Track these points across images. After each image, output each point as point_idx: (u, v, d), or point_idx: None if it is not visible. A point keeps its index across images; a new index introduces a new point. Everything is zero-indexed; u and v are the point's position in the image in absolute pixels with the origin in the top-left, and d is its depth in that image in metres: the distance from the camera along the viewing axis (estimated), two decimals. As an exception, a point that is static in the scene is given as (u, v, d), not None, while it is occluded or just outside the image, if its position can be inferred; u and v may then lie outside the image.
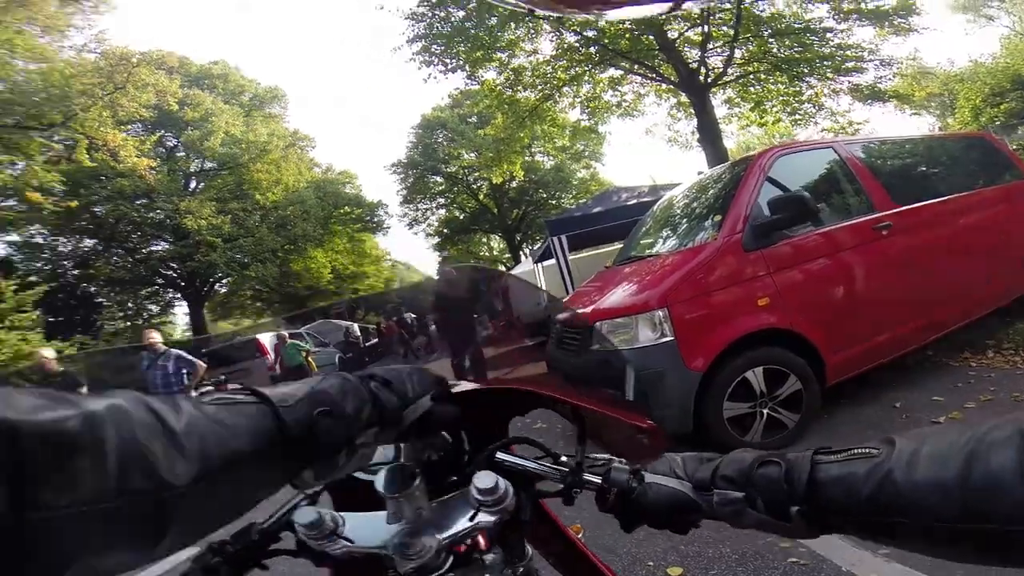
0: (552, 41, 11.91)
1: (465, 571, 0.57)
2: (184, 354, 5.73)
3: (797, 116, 12.35)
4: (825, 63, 10.88)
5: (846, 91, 11.77)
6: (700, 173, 5.27)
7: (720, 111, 12.54)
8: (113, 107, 16.86)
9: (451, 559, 0.55)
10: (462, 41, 11.37)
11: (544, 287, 9.46)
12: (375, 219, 29.31)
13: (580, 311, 3.51)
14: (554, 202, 29.97)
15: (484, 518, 0.57)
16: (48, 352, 6.48)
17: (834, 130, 11.97)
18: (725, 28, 10.76)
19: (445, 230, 32.01)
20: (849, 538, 1.08)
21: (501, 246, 33.96)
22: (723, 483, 0.50)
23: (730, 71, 11.33)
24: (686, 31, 11.03)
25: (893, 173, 4.01)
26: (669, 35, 10.78)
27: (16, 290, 13.63)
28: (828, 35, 10.77)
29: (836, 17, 10.72)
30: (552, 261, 8.74)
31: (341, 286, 26.94)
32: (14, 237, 18.89)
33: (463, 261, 31.77)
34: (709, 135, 10.72)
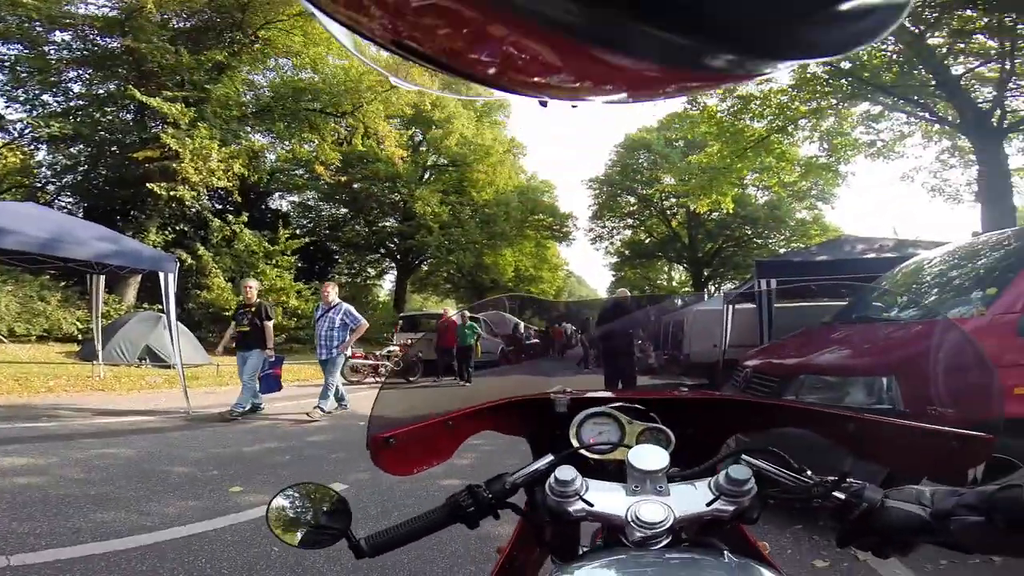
0: (793, 70, 10.87)
1: (689, 548, 0.61)
2: (352, 310, 6.28)
3: None
4: None
5: None
6: (975, 234, 4.30)
7: (1015, 161, 9.98)
8: (387, 103, 20.77)
9: (670, 538, 0.60)
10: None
11: (729, 332, 8.66)
12: (563, 229, 30.39)
13: (779, 361, 3.31)
14: (760, 241, 27.26)
15: (722, 506, 0.61)
16: (253, 282, 6.72)
17: None
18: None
19: (627, 251, 31.66)
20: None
21: (683, 278, 32.23)
22: (963, 511, 0.53)
23: (1040, 114, 8.92)
24: (976, 67, 9.01)
25: None
26: (953, 71, 8.93)
27: (287, 238, 17.85)
28: None
29: None
30: (749, 305, 7.96)
31: (519, 285, 28.66)
32: (295, 198, 24.71)
33: (637, 286, 30.95)
34: (994, 189, 8.61)
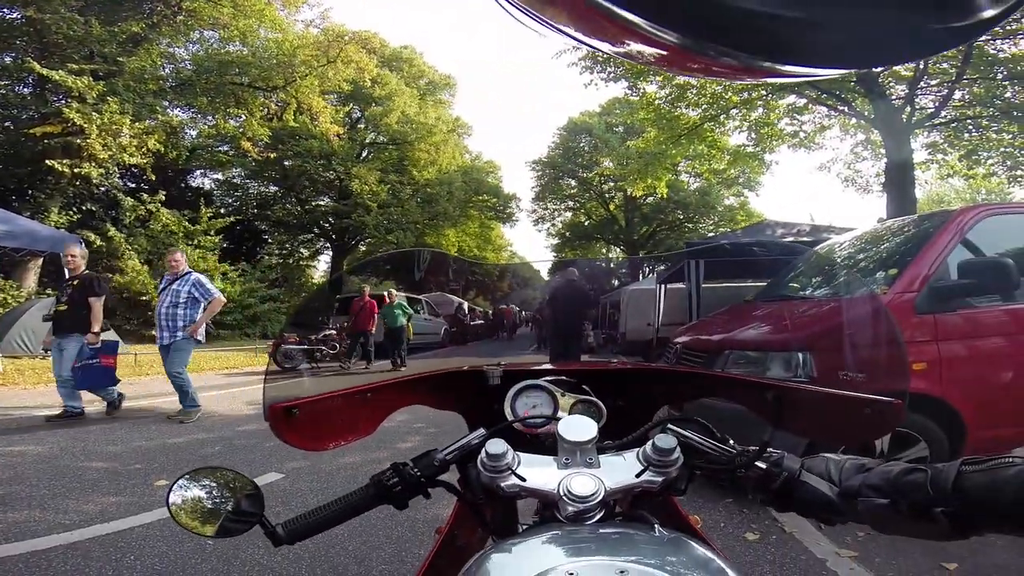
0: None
1: (621, 523, 0.62)
2: (204, 281, 5.17)
3: (1019, 172, 10.39)
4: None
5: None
6: (880, 220, 4.73)
7: (918, 156, 11.01)
8: (322, 78, 19.74)
9: (603, 511, 0.60)
10: (630, 52, 11.32)
11: (662, 310, 9.09)
12: (507, 210, 30.52)
13: (706, 337, 3.49)
14: (691, 225, 28.60)
15: (650, 477, 0.62)
16: (76, 248, 5.23)
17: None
18: (946, 65, 9.35)
19: (567, 233, 32.29)
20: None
21: (621, 259, 33.33)
22: (869, 491, 0.55)
23: (943, 113, 9.86)
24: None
25: None
26: (873, 68, 9.66)
27: (210, 218, 16.74)
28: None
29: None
30: (680, 285, 8.39)
31: (462, 266, 28.50)
32: (219, 176, 23.17)
33: (578, 267, 31.61)
34: (899, 180, 9.45)
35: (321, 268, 27.67)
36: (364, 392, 0.86)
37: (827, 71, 0.36)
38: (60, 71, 13.46)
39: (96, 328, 4.82)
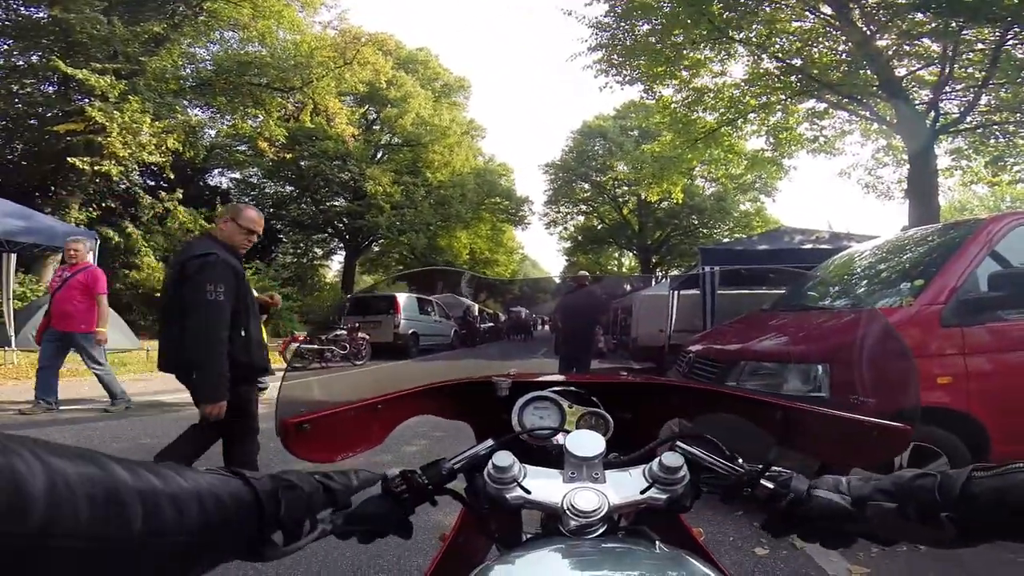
0: (746, 65, 11.19)
1: (623, 538, 0.61)
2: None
3: (1046, 178, 10.11)
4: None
5: None
6: (904, 229, 4.59)
7: (942, 162, 10.73)
8: (339, 79, 19.92)
9: (606, 526, 0.59)
10: (644, 55, 11.18)
11: (675, 317, 8.95)
12: (519, 213, 30.51)
13: (721, 347, 3.40)
14: (706, 231, 28.30)
15: (655, 494, 0.61)
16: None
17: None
18: (971, 70, 9.11)
19: (580, 237, 32.18)
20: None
21: (633, 264, 33.16)
22: (879, 496, 0.54)
23: (968, 119, 9.60)
24: (917, 69, 9.57)
25: None
26: (897, 72, 9.44)
27: (226, 216, 16.91)
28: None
29: None
30: (694, 291, 8.25)
31: (474, 267, 28.67)
32: (236, 175, 23.50)
33: (589, 271, 31.53)
34: (922, 187, 9.19)
35: (335, 267, 27.99)
36: (375, 404, 0.87)
37: None
38: (84, 70, 13.74)
39: None
